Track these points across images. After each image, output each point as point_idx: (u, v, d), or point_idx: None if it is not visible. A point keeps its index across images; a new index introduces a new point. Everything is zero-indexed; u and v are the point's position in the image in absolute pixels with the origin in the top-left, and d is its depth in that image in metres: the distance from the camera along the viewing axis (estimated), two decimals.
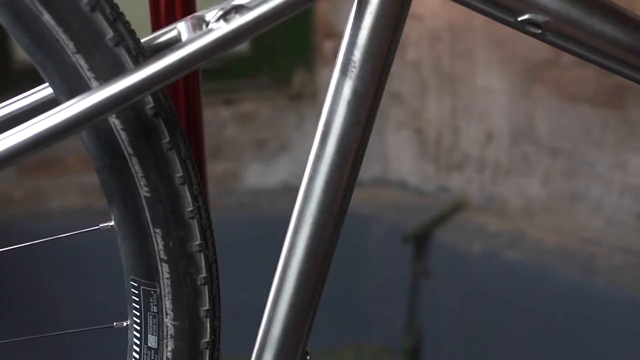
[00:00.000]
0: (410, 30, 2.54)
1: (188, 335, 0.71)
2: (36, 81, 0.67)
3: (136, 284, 0.70)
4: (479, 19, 0.68)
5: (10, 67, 2.61)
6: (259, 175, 2.83)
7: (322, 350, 2.26)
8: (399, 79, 2.65)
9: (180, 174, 0.67)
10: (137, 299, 0.70)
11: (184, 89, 1.05)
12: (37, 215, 2.68)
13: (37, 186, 2.70)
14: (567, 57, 0.65)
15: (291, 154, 2.80)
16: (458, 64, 2.52)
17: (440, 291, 2.47)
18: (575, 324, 2.19)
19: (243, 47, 2.74)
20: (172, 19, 0.94)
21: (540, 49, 2.21)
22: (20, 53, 2.42)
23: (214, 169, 2.74)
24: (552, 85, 2.32)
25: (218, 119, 2.77)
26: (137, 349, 0.72)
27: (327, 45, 2.73)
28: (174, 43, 0.67)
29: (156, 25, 1.02)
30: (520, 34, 0.66)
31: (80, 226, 0.77)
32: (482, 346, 2.35)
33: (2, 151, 0.61)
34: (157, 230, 0.68)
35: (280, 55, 2.79)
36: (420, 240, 2.44)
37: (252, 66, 2.79)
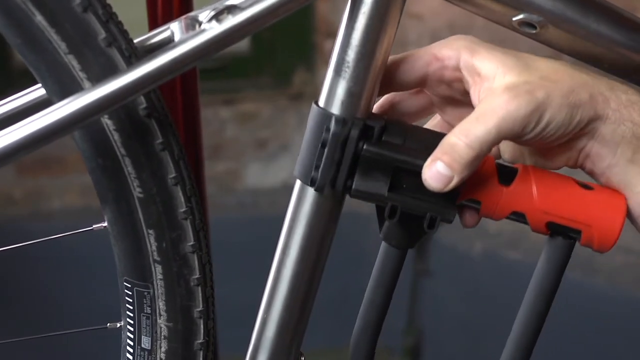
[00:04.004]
0: (411, 29, 2.54)
1: (181, 336, 0.71)
2: (35, 80, 0.67)
3: (129, 285, 0.70)
4: (480, 18, 0.68)
5: (10, 67, 2.61)
6: (259, 175, 2.83)
7: (321, 349, 2.26)
8: None
9: (173, 175, 0.67)
10: (131, 300, 0.70)
11: (182, 88, 1.05)
12: (38, 214, 2.68)
13: (38, 186, 2.70)
14: (568, 56, 0.65)
15: (292, 153, 2.79)
16: None
17: (440, 291, 2.47)
18: (575, 324, 2.18)
19: (243, 46, 2.74)
20: (169, 19, 0.94)
21: (540, 48, 2.20)
22: None
23: (215, 168, 2.74)
24: None
25: (218, 119, 2.77)
26: (131, 350, 0.72)
27: (328, 44, 2.72)
28: (167, 43, 0.66)
29: (153, 25, 1.02)
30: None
31: (80, 226, 0.76)
32: (482, 346, 2.34)
33: None
34: (150, 231, 0.68)
35: (280, 54, 2.78)
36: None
37: (253, 66, 2.79)
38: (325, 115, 0.62)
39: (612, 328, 2.15)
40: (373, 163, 0.62)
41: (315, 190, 0.63)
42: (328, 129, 0.62)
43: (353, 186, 0.62)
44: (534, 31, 0.64)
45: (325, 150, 0.62)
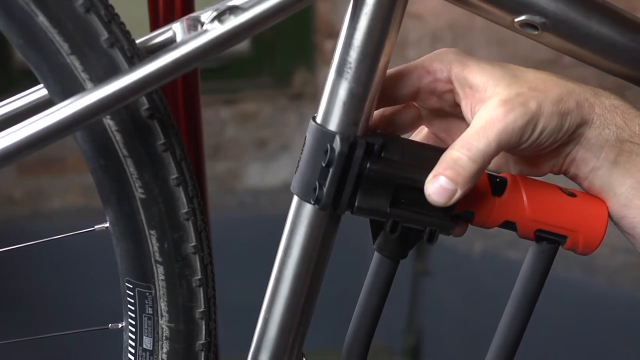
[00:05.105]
0: (411, 29, 2.54)
1: (183, 337, 0.71)
2: (37, 81, 0.67)
3: (131, 286, 0.70)
4: (480, 19, 0.69)
5: (10, 67, 2.61)
6: (259, 175, 2.83)
7: (322, 349, 2.26)
8: None
9: (175, 176, 0.67)
10: (132, 301, 0.70)
11: (183, 88, 1.05)
12: (38, 214, 2.68)
13: (38, 186, 2.70)
14: (568, 57, 0.66)
15: (292, 153, 2.80)
16: None
17: (440, 291, 2.47)
18: (575, 324, 2.19)
19: (244, 46, 2.74)
20: (170, 20, 0.94)
21: (540, 49, 2.20)
22: None
23: (215, 168, 2.74)
24: None
25: (219, 119, 2.77)
26: (132, 351, 0.72)
27: (328, 44, 2.72)
28: (169, 44, 0.66)
29: (155, 26, 1.02)
30: None
31: (80, 225, 0.77)
32: (482, 346, 2.35)
33: None
34: (152, 232, 0.68)
35: (280, 54, 2.79)
36: None
37: (253, 66, 2.79)
38: (328, 133, 0.62)
39: (612, 328, 2.15)
40: (375, 181, 0.62)
41: (320, 209, 0.64)
42: (333, 149, 0.62)
43: (356, 204, 0.63)
44: (536, 32, 0.64)
45: (331, 170, 0.62)
